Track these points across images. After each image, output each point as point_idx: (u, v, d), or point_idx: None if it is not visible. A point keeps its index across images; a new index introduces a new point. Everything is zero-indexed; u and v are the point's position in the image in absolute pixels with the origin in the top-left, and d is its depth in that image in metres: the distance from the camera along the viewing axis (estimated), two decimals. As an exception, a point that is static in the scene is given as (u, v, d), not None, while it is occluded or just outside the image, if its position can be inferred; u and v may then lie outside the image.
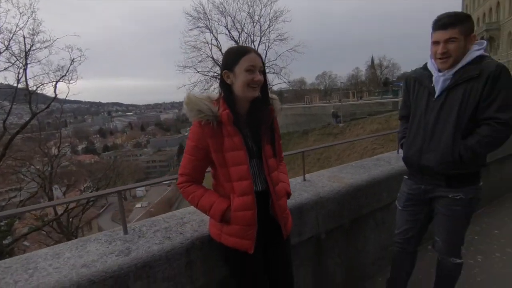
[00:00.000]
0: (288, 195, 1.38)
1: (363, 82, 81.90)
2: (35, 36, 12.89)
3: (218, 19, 28.50)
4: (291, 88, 56.10)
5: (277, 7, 28.89)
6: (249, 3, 28.39)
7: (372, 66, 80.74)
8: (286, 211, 1.35)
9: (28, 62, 12.94)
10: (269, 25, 29.15)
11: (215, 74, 29.52)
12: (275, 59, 30.34)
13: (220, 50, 29.37)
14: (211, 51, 29.20)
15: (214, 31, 29.13)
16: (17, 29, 12.36)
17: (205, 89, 29.38)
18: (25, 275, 1.16)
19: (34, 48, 13.01)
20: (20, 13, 12.47)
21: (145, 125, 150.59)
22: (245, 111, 1.26)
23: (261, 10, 28.75)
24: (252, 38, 29.59)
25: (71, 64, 13.97)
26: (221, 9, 28.12)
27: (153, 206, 35.97)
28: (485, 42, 1.45)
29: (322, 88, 78.39)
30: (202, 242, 1.41)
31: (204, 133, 1.19)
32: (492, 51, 37.07)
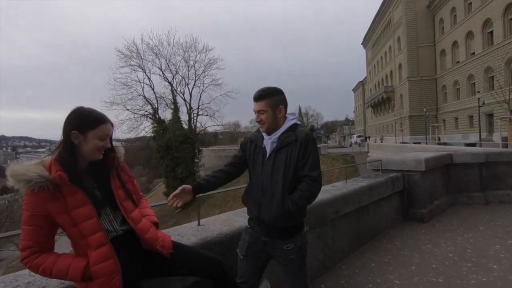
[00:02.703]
0: (156, 224, 1.50)
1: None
2: None
3: (152, 60, 28.70)
4: (226, 130, 57.55)
5: (212, 55, 30.65)
6: (184, 49, 29.57)
7: (299, 114, 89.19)
8: (159, 239, 1.45)
9: None
10: (203, 71, 30.42)
11: (146, 112, 28.78)
12: (209, 102, 31.24)
13: (153, 89, 29.06)
14: (143, 90, 28.66)
15: (147, 71, 28.92)
16: None
17: (134, 127, 28.10)
18: None
19: None
20: None
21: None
22: (85, 166, 1.31)
23: (196, 56, 30.13)
24: (186, 81, 30.30)
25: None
26: (155, 51, 28.53)
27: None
28: (296, 113, 1.78)
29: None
30: (69, 292, 1.37)
31: (39, 200, 1.18)
32: (390, 108, 45.05)
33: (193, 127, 30.44)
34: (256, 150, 1.79)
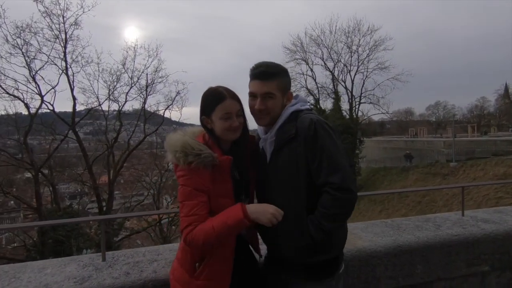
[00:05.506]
0: None
1: (492, 114, 67.87)
2: (157, 73, 16.24)
3: (314, 51, 29.20)
4: (394, 119, 51.47)
5: (378, 35, 27.52)
6: (347, 34, 28.15)
7: (506, 95, 66.25)
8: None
9: (149, 93, 16.27)
10: (368, 54, 28.07)
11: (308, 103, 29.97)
12: (373, 89, 28.65)
13: (315, 80, 29.71)
14: (305, 81, 29.89)
15: (310, 63, 29.79)
16: (145, 68, 15.92)
17: (296, 118, 29.92)
18: (5, 282, 1.39)
19: (155, 82, 16.38)
20: (149, 56, 15.98)
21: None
22: (228, 149, 1.24)
23: (359, 40, 28.11)
24: (348, 68, 28.97)
25: (176, 95, 17.14)
26: (318, 42, 28.78)
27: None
28: (299, 96, 1.33)
29: (434, 119, 68.55)
30: (155, 285, 1.40)
31: (200, 177, 1.11)
32: None
33: (355, 116, 28.92)
34: (260, 155, 1.33)
